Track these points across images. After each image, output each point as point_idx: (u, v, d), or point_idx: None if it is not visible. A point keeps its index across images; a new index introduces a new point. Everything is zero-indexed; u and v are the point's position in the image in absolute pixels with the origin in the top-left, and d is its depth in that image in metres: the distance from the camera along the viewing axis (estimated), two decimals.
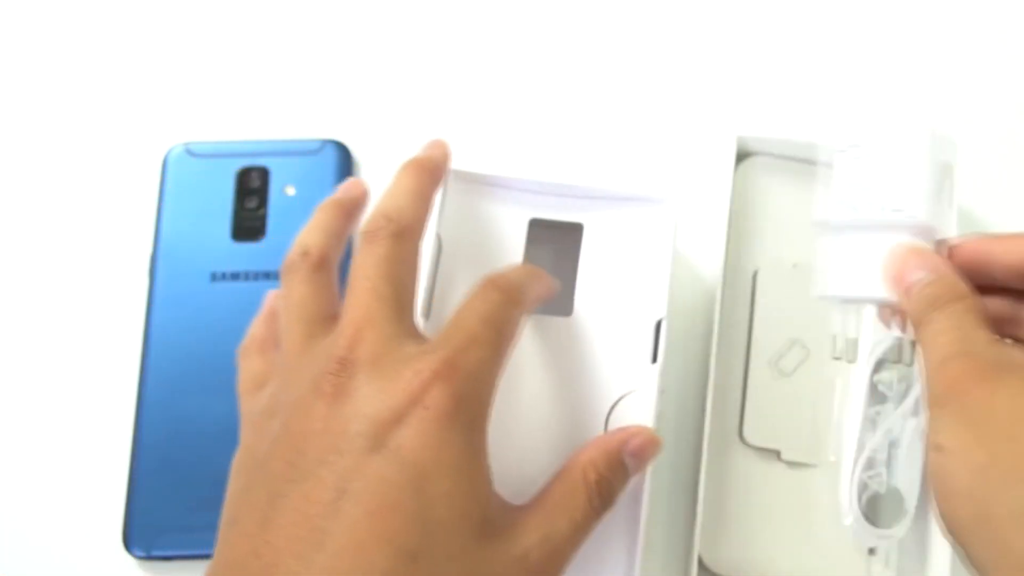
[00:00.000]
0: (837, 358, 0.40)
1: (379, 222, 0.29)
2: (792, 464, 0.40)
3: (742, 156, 0.44)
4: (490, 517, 0.26)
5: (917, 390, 0.39)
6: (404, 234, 0.29)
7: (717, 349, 0.40)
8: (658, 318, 0.33)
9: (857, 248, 0.33)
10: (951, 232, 0.32)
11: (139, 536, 0.40)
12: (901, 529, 0.38)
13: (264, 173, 0.45)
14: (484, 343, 0.26)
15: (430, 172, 0.31)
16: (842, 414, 0.40)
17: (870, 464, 0.38)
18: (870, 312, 0.38)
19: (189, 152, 0.46)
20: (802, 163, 0.44)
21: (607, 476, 0.29)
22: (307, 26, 0.50)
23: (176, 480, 0.41)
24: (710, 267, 0.44)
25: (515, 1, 0.50)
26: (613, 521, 0.30)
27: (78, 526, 0.42)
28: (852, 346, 0.40)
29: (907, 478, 0.38)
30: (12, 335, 0.45)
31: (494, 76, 0.49)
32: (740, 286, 0.42)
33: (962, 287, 0.30)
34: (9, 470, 0.43)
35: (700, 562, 0.38)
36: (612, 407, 0.32)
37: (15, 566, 0.41)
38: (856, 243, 0.33)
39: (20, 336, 0.45)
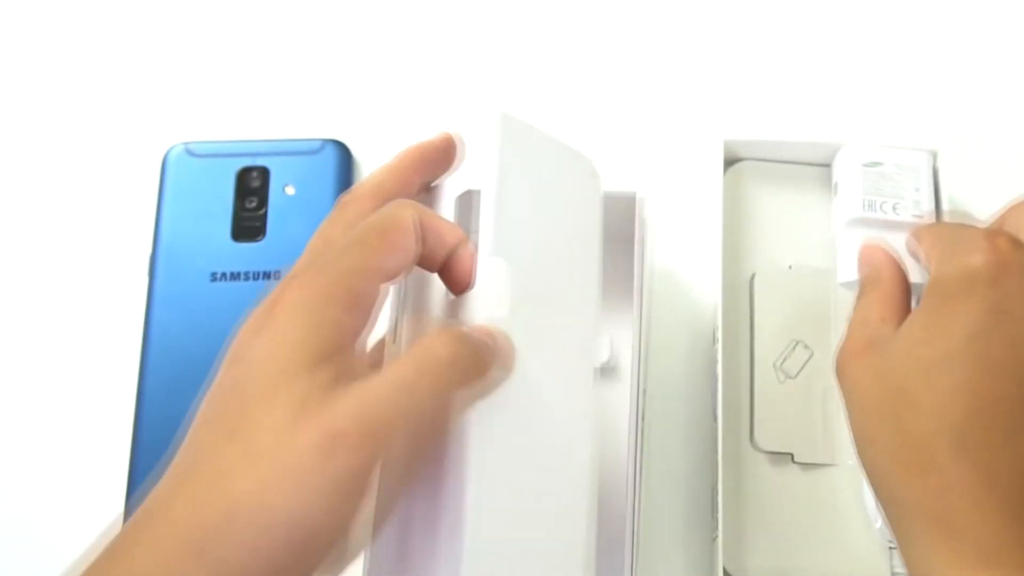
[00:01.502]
0: None
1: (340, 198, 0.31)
2: (807, 466, 0.40)
3: (730, 162, 0.44)
4: (321, 384, 0.23)
5: None
6: (351, 202, 0.29)
7: (724, 356, 0.40)
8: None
9: (884, 241, 0.38)
10: None
11: None
12: None
13: (264, 173, 0.45)
14: (353, 242, 0.26)
15: (413, 153, 0.32)
16: None
17: None
18: None
19: (189, 152, 0.46)
20: (789, 165, 0.44)
21: (458, 328, 0.26)
22: (307, 26, 0.50)
23: None
24: (705, 275, 0.44)
25: (509, 5, 0.50)
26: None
27: (78, 525, 0.42)
28: None
29: None
30: (12, 335, 0.45)
31: (490, 78, 0.49)
32: (738, 291, 0.42)
33: (879, 274, 0.35)
34: (9, 470, 0.43)
35: (725, 573, 0.38)
36: None
37: (15, 565, 0.41)
38: (882, 237, 0.38)
39: (20, 336, 0.45)
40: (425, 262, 0.28)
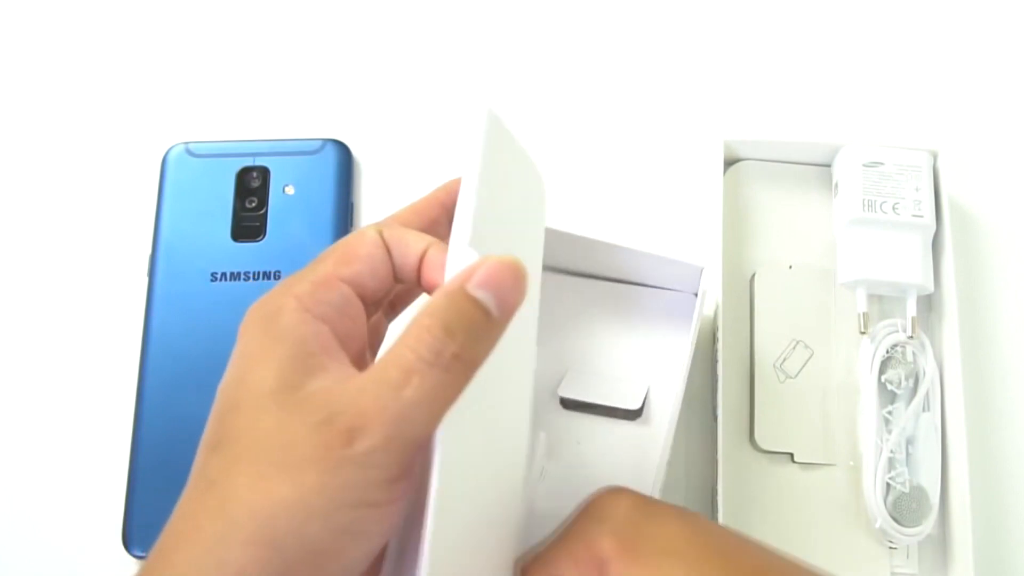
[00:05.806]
0: (863, 332, 0.41)
1: None
2: (807, 466, 0.40)
3: (730, 162, 0.44)
4: (294, 384, 0.24)
5: (925, 385, 0.39)
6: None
7: (724, 356, 0.40)
8: None
9: (885, 241, 0.40)
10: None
11: (139, 536, 0.40)
12: (929, 524, 0.38)
13: (264, 173, 0.45)
14: (312, 262, 0.27)
15: (438, 191, 0.31)
16: (854, 413, 0.40)
17: (891, 465, 0.38)
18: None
19: (189, 152, 0.46)
20: (789, 165, 0.44)
21: (448, 319, 0.24)
22: (307, 26, 0.50)
23: (176, 480, 0.39)
24: (705, 274, 0.44)
25: (509, 5, 0.50)
26: None
27: (78, 526, 0.42)
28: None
29: (927, 473, 0.38)
30: (12, 335, 0.45)
31: (490, 78, 0.49)
32: (738, 290, 0.42)
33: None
34: (9, 470, 0.43)
35: None
36: None
37: (15, 566, 0.41)
38: (882, 237, 0.41)
39: (20, 336, 0.45)
40: (402, 273, 0.28)
